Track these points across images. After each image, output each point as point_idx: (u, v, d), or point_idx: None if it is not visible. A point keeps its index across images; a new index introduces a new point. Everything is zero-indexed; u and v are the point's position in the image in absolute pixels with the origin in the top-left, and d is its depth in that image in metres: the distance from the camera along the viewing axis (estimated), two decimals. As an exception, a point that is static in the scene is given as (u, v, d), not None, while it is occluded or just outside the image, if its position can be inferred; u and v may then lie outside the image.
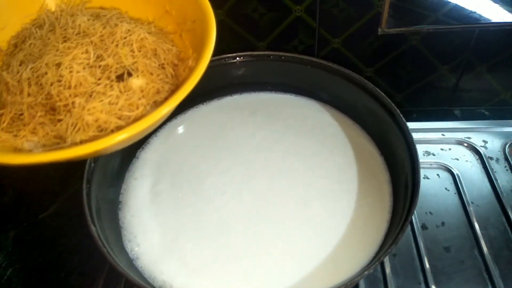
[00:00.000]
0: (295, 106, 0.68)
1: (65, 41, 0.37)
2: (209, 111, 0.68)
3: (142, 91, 0.37)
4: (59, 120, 0.35)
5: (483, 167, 0.68)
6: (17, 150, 0.35)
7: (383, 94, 0.58)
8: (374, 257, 0.49)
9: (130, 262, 0.51)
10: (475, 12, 0.63)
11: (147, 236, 0.53)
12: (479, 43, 0.68)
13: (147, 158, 0.62)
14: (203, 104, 0.69)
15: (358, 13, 0.64)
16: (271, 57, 0.65)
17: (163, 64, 0.40)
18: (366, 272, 0.43)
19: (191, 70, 0.38)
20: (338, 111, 0.67)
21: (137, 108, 0.36)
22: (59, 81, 0.35)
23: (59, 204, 0.68)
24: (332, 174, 0.58)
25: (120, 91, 0.36)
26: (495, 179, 0.66)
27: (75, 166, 0.71)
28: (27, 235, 0.64)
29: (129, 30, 0.38)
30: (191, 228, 0.54)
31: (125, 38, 0.38)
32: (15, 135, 0.36)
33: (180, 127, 0.66)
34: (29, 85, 0.35)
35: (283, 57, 0.65)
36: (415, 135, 0.54)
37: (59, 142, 0.35)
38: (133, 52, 0.38)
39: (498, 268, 0.56)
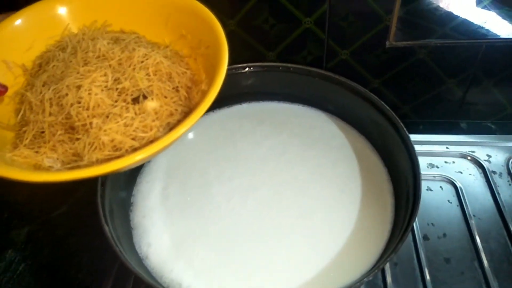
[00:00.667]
0: (302, 116, 0.69)
1: (85, 64, 0.39)
2: (218, 119, 0.69)
3: (156, 113, 0.38)
4: (77, 139, 0.37)
5: (486, 181, 0.69)
6: (37, 166, 0.37)
7: (387, 107, 0.59)
8: (375, 265, 0.50)
9: (140, 261, 0.53)
10: (482, 27, 0.64)
11: (156, 237, 0.55)
12: (486, 57, 0.69)
13: (158, 162, 0.63)
14: (213, 111, 0.70)
15: (367, 26, 0.65)
16: (280, 68, 0.66)
17: (177, 87, 0.41)
18: (365, 279, 0.44)
19: (204, 93, 0.39)
20: (344, 122, 0.68)
21: (151, 129, 0.37)
22: (79, 102, 0.37)
23: (71, 203, 0.69)
24: (336, 185, 0.59)
25: (135, 113, 0.38)
26: (498, 193, 0.66)
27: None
28: (39, 233, 0.66)
29: (146, 54, 0.40)
30: (198, 232, 0.55)
31: (141, 62, 0.39)
32: (36, 152, 0.37)
33: (190, 133, 0.68)
34: (51, 105, 0.37)
35: (291, 69, 0.66)
36: (420, 148, 0.55)
37: (77, 159, 0.37)
38: (149, 75, 0.39)
39: (498, 281, 0.57)
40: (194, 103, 0.42)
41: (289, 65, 0.66)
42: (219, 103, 0.71)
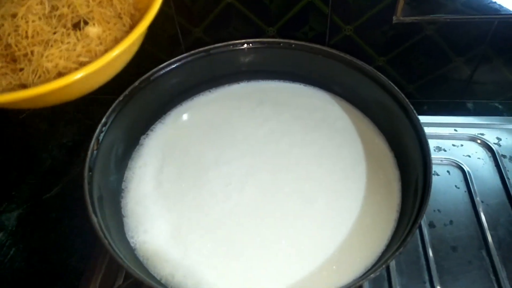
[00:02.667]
0: (304, 96, 0.67)
1: None
2: (215, 99, 0.67)
3: (99, 38, 0.39)
4: (21, 70, 0.37)
5: (496, 165, 0.67)
6: None
7: (396, 88, 0.56)
8: (380, 257, 0.49)
9: (132, 251, 0.51)
10: (495, 2, 0.61)
11: (149, 226, 0.53)
12: (497, 34, 0.66)
13: (151, 145, 0.61)
14: (209, 91, 0.68)
15: (373, 0, 0.62)
16: (281, 44, 0.63)
17: (120, 14, 0.42)
18: (372, 275, 0.42)
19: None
20: (349, 103, 0.66)
21: (95, 55, 0.38)
22: (16, 31, 0.36)
23: (63, 185, 0.69)
24: (340, 170, 0.57)
25: (78, 39, 0.38)
26: (508, 178, 0.64)
27: (79, 147, 0.72)
28: (30, 216, 0.66)
29: None
30: (194, 220, 0.53)
31: None
32: None
33: (185, 114, 0.65)
34: None
35: (293, 45, 0.63)
36: (427, 130, 0.53)
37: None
38: (88, 1, 0.39)
39: (506, 270, 0.55)
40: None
41: (291, 41, 0.63)
42: (215, 82, 0.68)
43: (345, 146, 0.60)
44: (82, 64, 0.37)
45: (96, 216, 0.46)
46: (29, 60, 0.37)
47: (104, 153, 0.53)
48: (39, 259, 0.61)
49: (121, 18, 0.42)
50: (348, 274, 0.47)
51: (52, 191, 0.68)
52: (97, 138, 0.52)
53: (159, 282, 0.48)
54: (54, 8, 0.38)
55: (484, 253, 0.57)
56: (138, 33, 0.38)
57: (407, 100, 0.55)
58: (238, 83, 0.69)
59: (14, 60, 0.38)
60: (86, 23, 0.39)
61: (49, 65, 0.37)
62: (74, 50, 0.38)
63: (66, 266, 0.60)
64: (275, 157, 0.59)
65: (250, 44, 0.64)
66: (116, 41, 0.40)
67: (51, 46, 0.37)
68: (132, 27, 0.42)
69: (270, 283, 0.48)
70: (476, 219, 0.60)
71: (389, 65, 0.72)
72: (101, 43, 0.39)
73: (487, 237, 0.58)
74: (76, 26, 0.39)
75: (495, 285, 0.54)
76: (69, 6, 0.38)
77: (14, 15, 0.37)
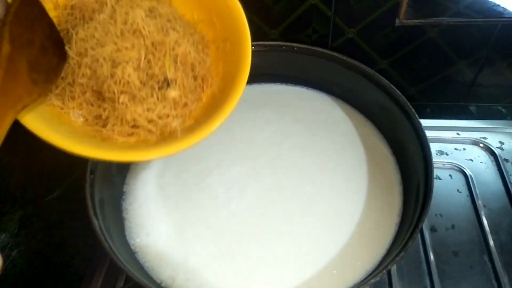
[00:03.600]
0: (306, 99, 0.67)
1: (122, 36, 0.39)
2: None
3: (175, 102, 0.40)
4: (104, 108, 0.39)
5: (498, 169, 0.66)
6: (60, 116, 0.39)
7: (398, 91, 0.56)
8: (381, 261, 0.48)
9: (132, 254, 0.51)
10: (498, 5, 0.61)
11: (150, 229, 0.53)
12: (501, 38, 0.66)
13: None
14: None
15: (376, 3, 0.62)
16: (284, 47, 0.63)
17: (196, 76, 0.43)
18: (372, 280, 0.42)
19: (214, 98, 0.42)
20: (351, 106, 0.65)
21: (167, 117, 0.40)
22: (112, 76, 0.38)
23: (65, 187, 0.69)
24: (341, 173, 0.57)
25: (158, 99, 0.40)
26: (510, 182, 0.64)
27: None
28: (32, 217, 0.65)
29: (177, 41, 0.41)
30: (196, 223, 0.53)
31: (173, 49, 0.40)
32: (63, 103, 0.39)
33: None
34: (86, 67, 0.39)
35: (296, 48, 0.63)
36: (429, 133, 0.53)
37: (98, 122, 0.40)
38: (177, 64, 0.41)
39: (508, 275, 0.55)
40: (205, 93, 0.43)
41: (293, 44, 0.63)
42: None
43: (347, 149, 0.60)
44: (153, 124, 0.40)
45: (97, 219, 0.47)
46: (113, 104, 0.39)
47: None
48: (41, 261, 0.61)
49: (195, 80, 0.43)
50: (348, 278, 0.47)
51: (54, 193, 0.68)
52: (100, 141, 0.52)
53: (159, 285, 0.48)
54: (148, 63, 0.39)
55: (486, 258, 0.57)
56: (223, 119, 0.40)
57: (408, 104, 0.54)
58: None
59: (100, 94, 0.39)
60: (168, 84, 0.40)
61: (128, 117, 0.39)
62: (153, 110, 0.39)
63: (68, 268, 0.60)
64: (277, 160, 0.58)
65: (253, 47, 0.62)
66: (185, 106, 0.41)
67: (136, 100, 0.39)
68: (200, 88, 0.43)
69: (270, 286, 0.48)
70: (478, 223, 0.60)
71: (392, 68, 0.72)
72: (174, 108, 0.40)
73: (489, 241, 0.58)
74: (160, 85, 0.40)
75: (497, 291, 0.54)
76: (160, 67, 0.39)
77: (113, 61, 0.38)
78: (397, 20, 0.63)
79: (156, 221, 0.53)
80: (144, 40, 0.40)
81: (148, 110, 0.39)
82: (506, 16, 0.62)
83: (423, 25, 0.64)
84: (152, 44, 0.40)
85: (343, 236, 0.51)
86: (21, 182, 0.70)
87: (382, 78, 0.57)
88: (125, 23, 0.40)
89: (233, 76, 0.42)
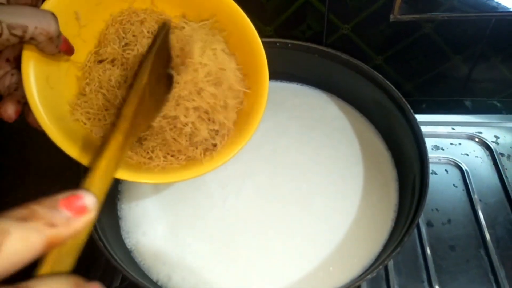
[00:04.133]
0: (300, 96, 0.66)
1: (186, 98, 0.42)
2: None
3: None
4: (172, 155, 0.43)
5: (494, 164, 0.66)
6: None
7: (392, 87, 0.56)
8: (378, 257, 0.48)
9: (128, 254, 0.51)
10: (492, 0, 0.61)
11: (146, 228, 0.53)
12: (495, 32, 0.65)
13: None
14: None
15: (370, -2, 0.62)
16: (278, 44, 0.63)
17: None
18: (369, 276, 0.42)
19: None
20: (346, 102, 0.65)
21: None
22: (171, 129, 0.41)
23: (60, 186, 0.68)
24: (337, 170, 0.57)
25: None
26: (506, 176, 0.64)
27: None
28: None
29: (226, 102, 0.44)
30: (191, 222, 0.53)
31: (224, 107, 0.44)
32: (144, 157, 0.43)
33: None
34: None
35: (290, 45, 0.62)
36: (424, 128, 0.53)
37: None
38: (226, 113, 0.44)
39: (504, 269, 0.55)
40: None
41: (287, 41, 0.63)
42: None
43: (343, 145, 0.60)
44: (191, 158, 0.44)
45: (92, 218, 0.46)
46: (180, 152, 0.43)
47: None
48: (35, 262, 0.61)
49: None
50: (345, 275, 0.47)
51: (52, 190, 0.68)
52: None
53: (155, 284, 0.48)
54: (210, 120, 0.43)
55: (482, 252, 0.57)
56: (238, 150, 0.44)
57: (403, 99, 0.54)
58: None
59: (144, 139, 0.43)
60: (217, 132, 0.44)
61: (174, 149, 0.43)
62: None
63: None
64: (272, 157, 0.58)
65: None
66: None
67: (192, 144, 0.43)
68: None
69: (267, 284, 0.47)
70: (474, 218, 0.60)
71: (387, 64, 0.71)
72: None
73: (485, 236, 0.58)
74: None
75: (494, 284, 0.54)
76: (215, 120, 0.43)
77: (173, 118, 0.41)
78: (391, 16, 0.63)
79: (152, 220, 0.53)
80: (203, 99, 0.42)
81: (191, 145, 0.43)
82: (500, 10, 0.62)
83: (417, 21, 0.64)
84: (209, 103, 0.43)
85: (339, 232, 0.51)
86: (16, 182, 0.69)
87: (377, 74, 0.57)
88: (209, 75, 0.42)
89: (249, 113, 0.45)
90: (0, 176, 0.71)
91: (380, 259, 0.46)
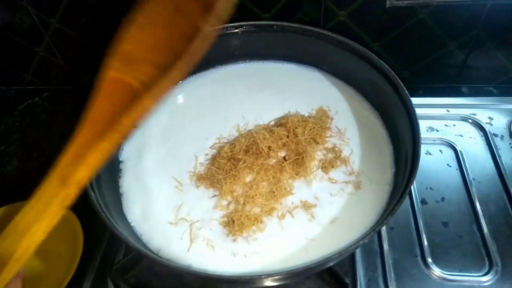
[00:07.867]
0: (298, 76, 0.68)
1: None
2: (208, 81, 0.68)
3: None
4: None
5: (487, 144, 0.67)
6: None
7: (387, 66, 0.57)
8: (371, 228, 0.49)
9: (130, 228, 0.52)
10: None
11: (147, 203, 0.54)
12: (490, 18, 0.66)
13: (146, 126, 0.62)
14: (203, 73, 0.69)
15: (366, -16, 0.62)
16: (274, 27, 0.64)
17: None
18: (361, 242, 0.43)
19: None
20: (342, 81, 0.66)
21: None
22: (246, 194, 0.53)
23: None
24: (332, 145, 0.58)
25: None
26: (499, 156, 0.65)
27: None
28: None
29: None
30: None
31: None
32: None
33: (180, 95, 0.66)
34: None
35: (286, 27, 0.63)
36: (420, 111, 0.53)
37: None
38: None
39: (496, 244, 0.56)
40: None
41: (283, 23, 0.64)
42: (209, 65, 0.69)
43: (339, 122, 0.61)
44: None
45: (94, 191, 0.48)
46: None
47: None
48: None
49: None
50: (342, 243, 0.48)
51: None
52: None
53: (156, 254, 0.49)
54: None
55: (475, 227, 0.58)
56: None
57: (397, 77, 0.55)
58: (231, 65, 0.69)
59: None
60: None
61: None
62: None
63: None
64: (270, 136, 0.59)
65: (244, 27, 0.64)
66: None
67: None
68: None
69: (266, 255, 0.49)
70: (467, 196, 0.61)
71: (384, 51, 0.72)
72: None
73: (478, 212, 0.59)
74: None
75: (485, 257, 0.55)
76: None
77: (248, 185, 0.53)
78: (387, 2, 0.63)
79: (152, 196, 0.54)
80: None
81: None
82: (494, -5, 0.62)
83: (413, 6, 0.65)
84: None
85: (336, 205, 0.52)
86: (18, 169, 0.71)
87: (372, 54, 0.58)
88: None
89: None
90: (5, 162, 0.73)
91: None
